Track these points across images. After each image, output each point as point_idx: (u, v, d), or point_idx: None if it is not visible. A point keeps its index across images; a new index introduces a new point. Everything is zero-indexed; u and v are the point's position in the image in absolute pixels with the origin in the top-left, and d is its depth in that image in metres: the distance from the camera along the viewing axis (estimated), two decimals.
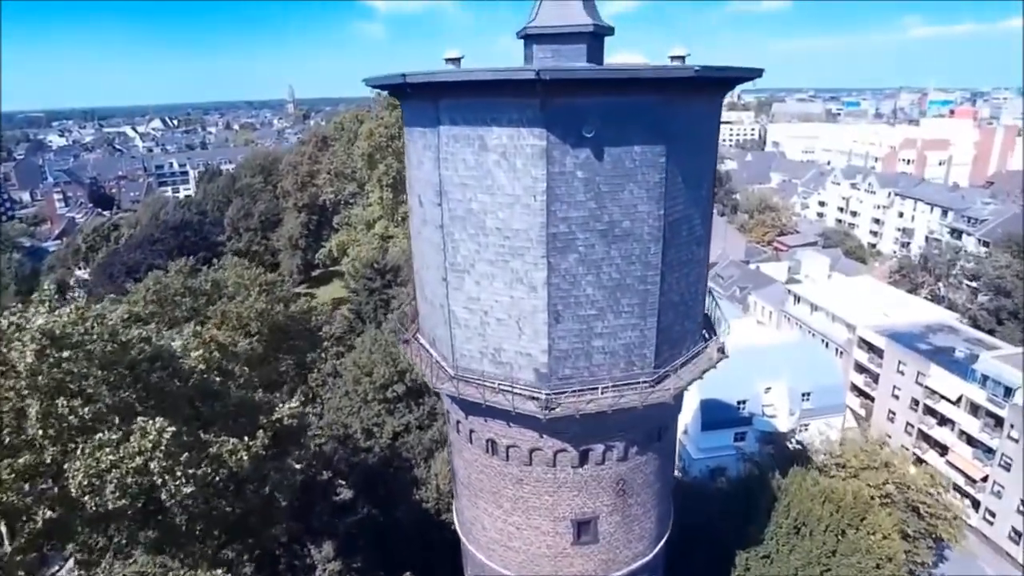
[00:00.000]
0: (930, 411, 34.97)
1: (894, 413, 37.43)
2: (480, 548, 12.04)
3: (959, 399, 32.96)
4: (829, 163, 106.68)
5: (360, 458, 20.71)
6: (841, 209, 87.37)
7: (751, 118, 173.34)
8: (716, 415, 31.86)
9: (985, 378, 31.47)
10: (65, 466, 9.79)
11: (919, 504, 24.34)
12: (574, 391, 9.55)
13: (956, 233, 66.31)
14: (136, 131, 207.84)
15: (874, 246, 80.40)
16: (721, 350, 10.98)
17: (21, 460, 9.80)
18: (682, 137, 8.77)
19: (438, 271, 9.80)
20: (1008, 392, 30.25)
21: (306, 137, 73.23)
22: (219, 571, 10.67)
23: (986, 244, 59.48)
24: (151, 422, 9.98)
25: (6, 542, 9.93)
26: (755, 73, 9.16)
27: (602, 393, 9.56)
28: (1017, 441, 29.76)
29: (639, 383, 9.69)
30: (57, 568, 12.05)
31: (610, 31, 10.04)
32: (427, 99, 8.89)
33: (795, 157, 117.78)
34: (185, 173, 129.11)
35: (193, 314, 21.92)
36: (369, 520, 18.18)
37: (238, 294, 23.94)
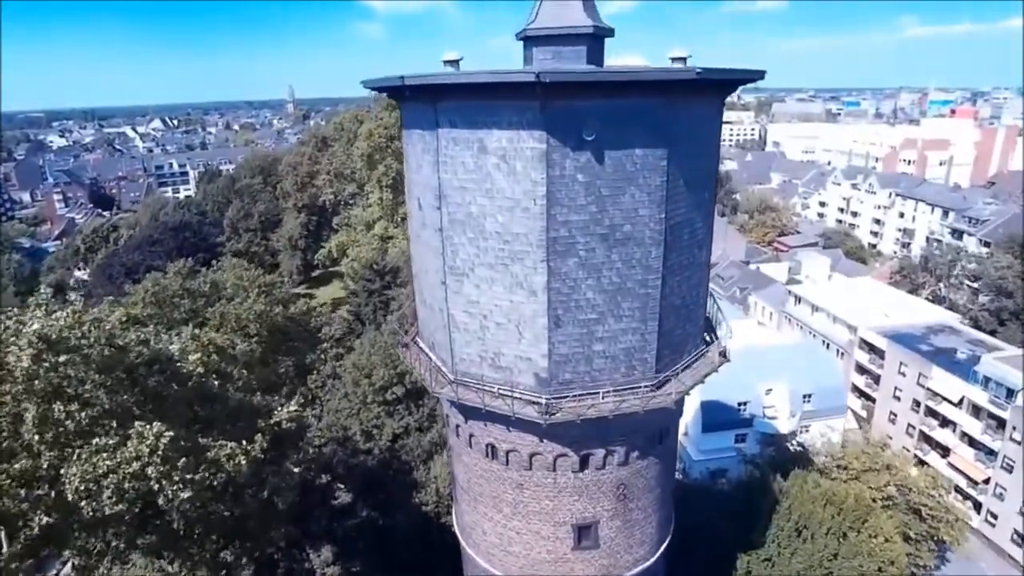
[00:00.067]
0: (932, 413, 34.86)
1: (895, 414, 37.33)
2: (480, 553, 11.96)
3: (961, 401, 32.86)
4: (829, 163, 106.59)
5: (359, 460, 20.64)
6: (842, 210, 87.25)
7: (751, 118, 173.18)
8: (717, 417, 31.77)
9: (987, 380, 31.36)
10: (62, 471, 9.72)
11: (921, 506, 24.26)
12: (574, 396, 9.47)
13: (957, 234, 66.20)
14: (136, 131, 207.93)
15: (875, 247, 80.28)
16: (723, 354, 10.90)
17: (17, 465, 9.74)
18: (683, 140, 8.69)
19: (437, 275, 9.72)
20: (1010, 394, 30.14)
21: (306, 138, 73.17)
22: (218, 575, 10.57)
23: (987, 245, 59.38)
24: (148, 427, 9.91)
25: (4, 547, 9.86)
26: (757, 75, 9.08)
27: (603, 398, 9.48)
28: (1019, 443, 29.65)
29: (640, 388, 9.61)
30: (55, 572, 11.98)
31: (610, 32, 9.95)
32: (426, 101, 8.81)
33: (795, 157, 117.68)
34: (185, 173, 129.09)
35: (192, 316, 21.80)
36: (368, 523, 18.10)
37: (237, 295, 23.81)
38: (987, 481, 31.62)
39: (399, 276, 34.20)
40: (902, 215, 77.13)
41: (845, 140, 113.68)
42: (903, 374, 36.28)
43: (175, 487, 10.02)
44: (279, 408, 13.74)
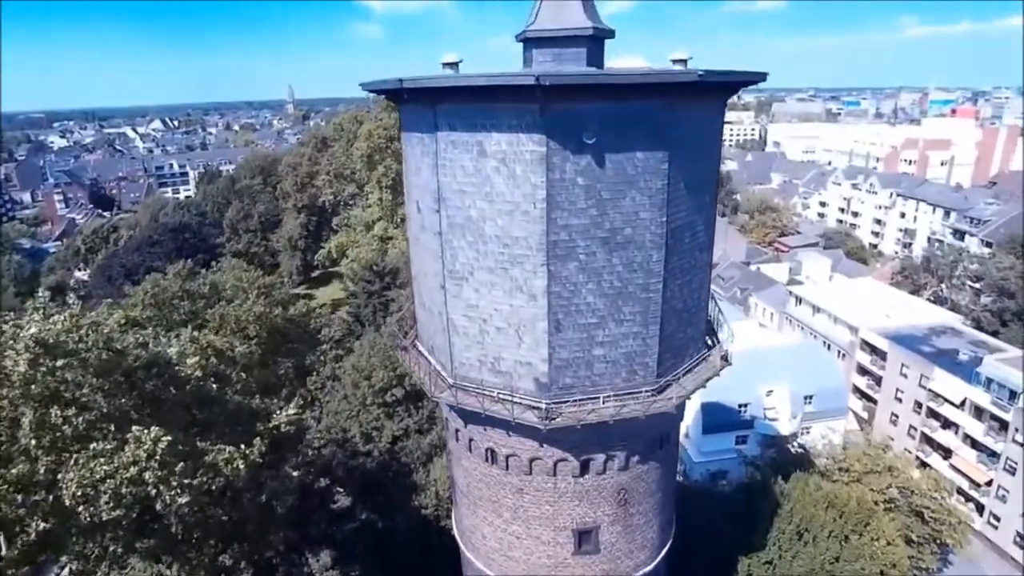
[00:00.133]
0: (933, 414, 34.76)
1: (897, 416, 37.22)
2: (480, 557, 11.89)
3: (963, 402, 32.74)
4: (830, 163, 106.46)
5: (359, 462, 20.57)
6: (842, 210, 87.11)
7: (751, 118, 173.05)
8: (717, 418, 31.69)
9: (989, 381, 31.25)
10: (59, 476, 9.66)
11: (923, 509, 24.17)
12: (575, 401, 9.39)
13: (959, 234, 66.04)
14: (136, 132, 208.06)
15: (876, 247, 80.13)
16: (724, 357, 10.82)
17: (14, 470, 9.67)
18: (685, 142, 8.61)
19: (436, 278, 9.65)
20: (1013, 396, 30.04)
21: (305, 138, 73.16)
22: None
23: (989, 245, 59.22)
24: (146, 431, 9.84)
25: (1, 552, 9.80)
26: (759, 77, 9.00)
27: (603, 403, 9.40)
28: (1022, 445, 29.53)
29: (641, 392, 9.54)
30: None
31: (611, 34, 9.88)
32: (425, 104, 8.74)
33: (796, 157, 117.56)
34: (185, 174, 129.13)
35: (191, 317, 21.73)
36: (367, 527, 18.04)
37: (236, 297, 23.75)
38: (989, 483, 31.51)
39: (399, 277, 34.14)
40: (903, 215, 76.98)
41: (846, 140, 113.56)
42: (905, 375, 36.17)
43: (173, 492, 9.95)
44: (278, 411, 13.66)
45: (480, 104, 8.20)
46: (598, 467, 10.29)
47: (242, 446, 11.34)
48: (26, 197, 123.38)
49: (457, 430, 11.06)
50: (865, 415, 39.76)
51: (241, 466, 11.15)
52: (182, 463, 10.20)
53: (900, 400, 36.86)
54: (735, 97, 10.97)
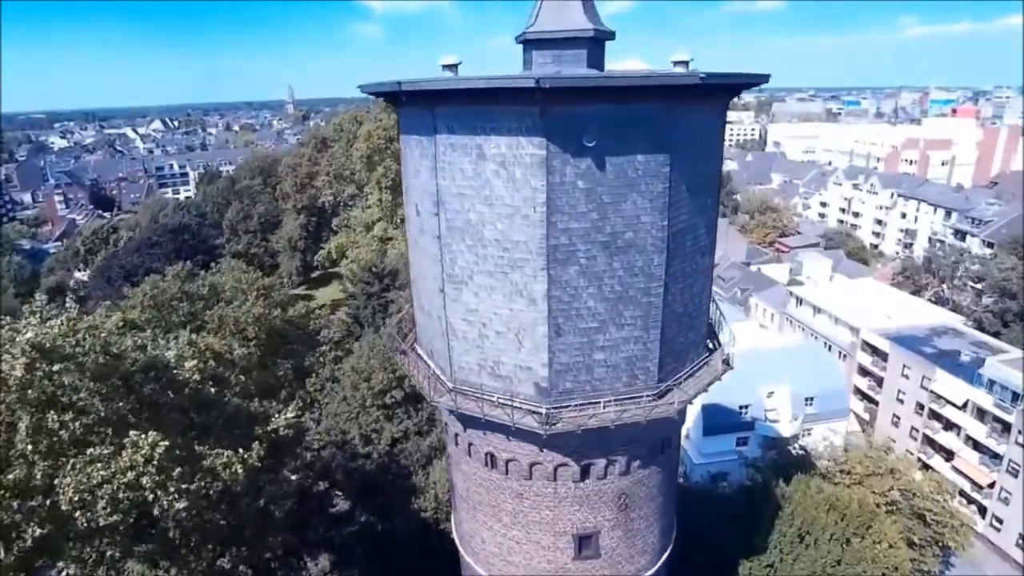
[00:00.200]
0: (935, 416, 34.64)
1: (898, 417, 37.11)
2: (479, 562, 11.81)
3: (965, 404, 32.62)
4: (830, 163, 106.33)
5: (358, 465, 20.51)
6: (843, 210, 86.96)
7: (751, 118, 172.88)
8: (718, 420, 31.61)
9: (992, 383, 31.13)
10: (56, 481, 9.59)
11: (925, 511, 24.06)
12: (575, 405, 9.32)
13: (960, 234, 65.89)
14: (137, 132, 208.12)
15: (876, 247, 79.99)
16: (726, 361, 10.74)
17: (11, 475, 9.60)
18: (686, 145, 8.53)
19: (435, 282, 9.57)
20: (1015, 397, 29.92)
21: (305, 139, 73.11)
22: None
23: (990, 245, 59.07)
24: (143, 436, 9.78)
25: None
26: (761, 78, 8.92)
27: (604, 407, 9.32)
28: None
29: (642, 397, 9.46)
30: None
31: (611, 35, 9.80)
32: (423, 107, 8.66)
33: (796, 157, 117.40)
34: (185, 174, 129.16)
35: (190, 319, 21.70)
36: (366, 530, 17.96)
37: (235, 298, 23.70)
38: (992, 485, 31.39)
39: (398, 278, 34.08)
40: (904, 216, 76.84)
41: (846, 140, 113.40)
42: (906, 377, 36.05)
43: (170, 497, 9.88)
44: (277, 415, 13.59)
45: (479, 107, 8.12)
46: (599, 472, 10.21)
47: (240, 450, 11.28)
48: (26, 198, 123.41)
49: (456, 434, 10.98)
50: (866, 416, 39.64)
51: (239, 470, 11.08)
52: (180, 468, 10.15)
53: (901, 401, 36.75)
54: (735, 97, 10.87)
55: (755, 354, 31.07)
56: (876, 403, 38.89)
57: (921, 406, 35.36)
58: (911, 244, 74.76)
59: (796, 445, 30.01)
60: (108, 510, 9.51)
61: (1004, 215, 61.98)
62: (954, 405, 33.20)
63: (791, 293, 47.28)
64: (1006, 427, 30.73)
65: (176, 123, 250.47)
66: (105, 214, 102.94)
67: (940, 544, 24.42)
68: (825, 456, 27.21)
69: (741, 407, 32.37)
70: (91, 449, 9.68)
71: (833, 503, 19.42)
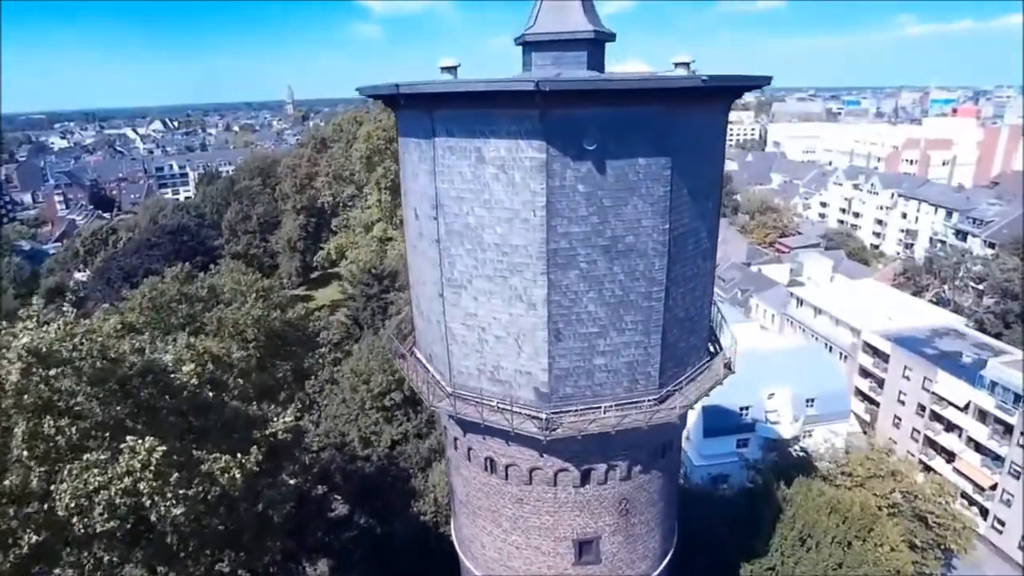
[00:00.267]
0: (937, 417, 34.53)
1: (900, 419, 37.01)
2: (479, 567, 11.73)
3: (967, 405, 32.51)
4: (831, 163, 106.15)
5: (357, 467, 20.43)
6: (843, 210, 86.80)
7: (751, 118, 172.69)
8: (718, 422, 31.50)
9: (994, 384, 31.02)
10: (52, 487, 9.50)
11: (927, 514, 23.94)
12: (576, 411, 9.24)
13: (961, 235, 65.75)
14: (137, 133, 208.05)
15: (877, 248, 79.84)
16: (728, 365, 10.65)
17: (7, 482, 9.52)
18: (687, 148, 8.46)
19: (434, 286, 9.50)
20: (1017, 399, 29.81)
21: (305, 139, 73.09)
22: None
23: (992, 246, 58.92)
24: (140, 442, 9.70)
25: None
26: (763, 80, 8.85)
27: (605, 413, 9.25)
28: None
29: (643, 402, 9.38)
30: None
31: (611, 37, 9.72)
32: (421, 110, 8.59)
33: (796, 157, 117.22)
34: (185, 175, 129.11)
35: (189, 321, 21.62)
36: (365, 533, 17.88)
37: (234, 300, 23.63)
38: (994, 487, 31.28)
39: (397, 280, 34.01)
40: (904, 216, 76.69)
41: (846, 140, 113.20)
42: (907, 378, 35.94)
43: (167, 503, 9.80)
44: (275, 418, 13.50)
45: (478, 110, 8.05)
46: (599, 477, 10.13)
47: (238, 455, 11.20)
48: (27, 198, 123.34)
49: (456, 438, 10.91)
50: (867, 418, 39.53)
51: (237, 475, 11.00)
52: (177, 473, 10.06)
53: (903, 403, 36.63)
54: (737, 99, 10.77)
55: (756, 355, 30.92)
56: (877, 404, 38.77)
57: (922, 407, 35.25)
58: (912, 244, 74.62)
59: (797, 447, 29.89)
60: (105, 516, 9.43)
61: (1005, 215, 61.82)
62: (956, 407, 33.09)
63: (791, 294, 47.16)
64: (1008, 429, 30.61)
65: (176, 123, 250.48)
66: (105, 215, 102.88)
67: (942, 547, 24.31)
68: (826, 458, 27.09)
69: (742, 409, 32.26)
70: (88, 455, 9.60)
71: (834, 506, 19.31)
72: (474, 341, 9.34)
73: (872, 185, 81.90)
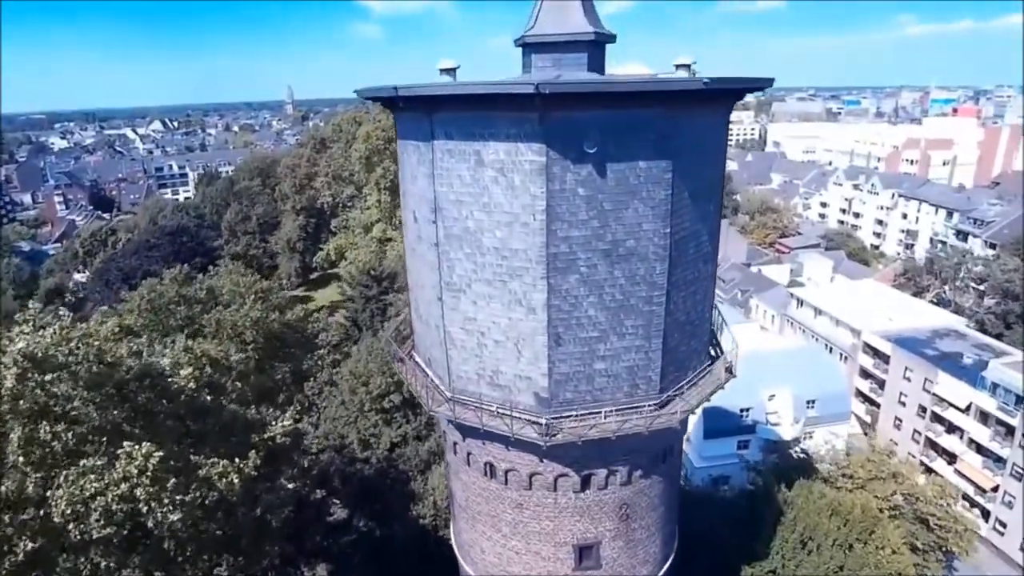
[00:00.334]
0: (938, 418, 34.45)
1: (901, 420, 36.93)
2: (478, 572, 11.65)
3: (968, 407, 32.43)
4: (831, 163, 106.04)
5: (356, 469, 20.36)
6: (843, 210, 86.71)
7: (751, 117, 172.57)
8: (719, 423, 31.43)
9: (995, 386, 30.93)
10: (48, 493, 9.43)
11: (928, 516, 23.85)
12: (576, 416, 9.16)
13: (962, 235, 65.64)
14: (136, 133, 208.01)
15: (877, 248, 79.75)
16: (729, 369, 10.57)
17: (2, 488, 9.44)
18: (689, 151, 8.37)
19: (433, 290, 9.42)
20: (1019, 400, 29.72)
21: (304, 139, 73.00)
22: None
23: (992, 246, 58.82)
24: (137, 447, 9.62)
25: None
26: (766, 82, 8.76)
27: (605, 418, 9.17)
28: None
29: (644, 407, 9.30)
30: None
31: (612, 38, 9.64)
32: (420, 112, 8.50)
33: (796, 157, 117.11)
34: (185, 175, 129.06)
35: (188, 323, 21.56)
36: (364, 537, 17.80)
37: (233, 302, 23.55)
38: (995, 489, 31.20)
39: (396, 281, 33.93)
40: (905, 216, 76.59)
41: (846, 140, 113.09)
42: (908, 379, 35.86)
43: (165, 509, 9.72)
44: (274, 422, 13.42)
45: (477, 112, 7.96)
46: (600, 482, 10.05)
47: (236, 459, 11.12)
48: (26, 198, 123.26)
49: (455, 443, 10.83)
50: (868, 419, 39.45)
51: (235, 480, 10.93)
52: (174, 479, 9.98)
53: (904, 404, 36.54)
54: (739, 101, 10.69)
55: (756, 356, 30.81)
56: (878, 405, 38.69)
57: (923, 409, 35.17)
58: (912, 245, 74.53)
59: (797, 448, 29.80)
60: (102, 522, 9.36)
61: (1006, 215, 61.72)
62: (957, 408, 33.01)
63: (792, 295, 47.08)
64: (1009, 430, 30.54)
65: (176, 123, 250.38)
66: (105, 215, 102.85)
67: (943, 549, 24.23)
68: (827, 460, 27.01)
69: (742, 410, 32.18)
70: (84, 460, 9.53)
71: (836, 508, 19.23)
72: (473, 345, 9.25)
73: (872, 185, 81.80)
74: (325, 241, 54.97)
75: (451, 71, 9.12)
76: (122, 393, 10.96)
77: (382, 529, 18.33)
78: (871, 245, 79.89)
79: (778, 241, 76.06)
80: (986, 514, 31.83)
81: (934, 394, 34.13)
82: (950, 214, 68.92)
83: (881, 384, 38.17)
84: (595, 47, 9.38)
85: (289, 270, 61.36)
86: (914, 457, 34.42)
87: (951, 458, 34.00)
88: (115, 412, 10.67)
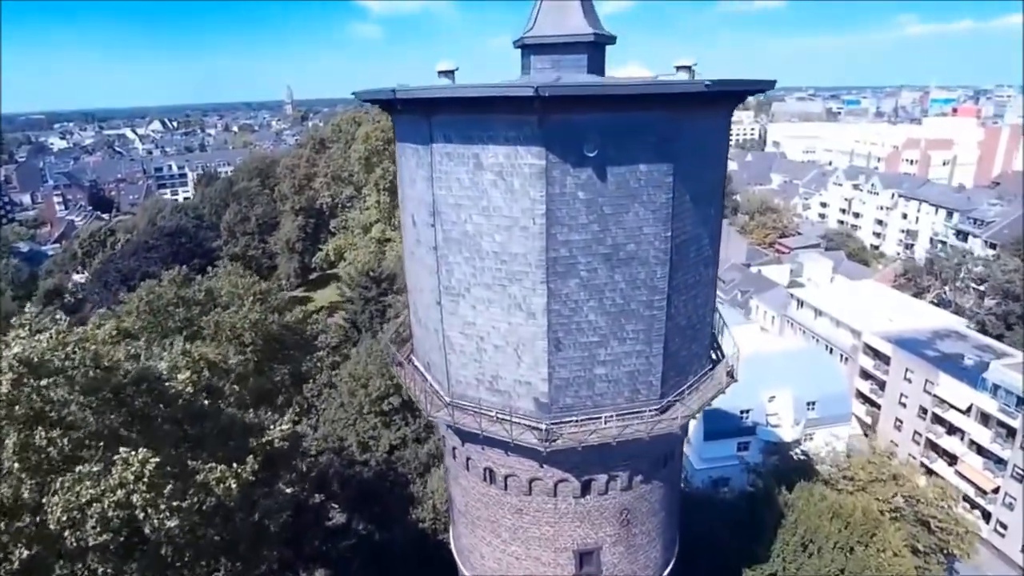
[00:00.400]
0: (938, 420, 34.39)
1: (901, 421, 36.86)
2: None
3: (969, 408, 32.36)
4: (831, 163, 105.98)
5: (355, 472, 20.27)
6: (843, 210, 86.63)
7: (751, 117, 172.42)
8: (719, 424, 31.34)
9: (996, 387, 30.87)
10: (44, 500, 9.34)
11: (930, 518, 23.78)
12: (576, 421, 9.08)
13: (962, 235, 65.58)
14: (136, 133, 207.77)
15: (877, 248, 79.69)
16: (730, 374, 10.49)
17: None
18: (690, 153, 8.29)
19: (432, 294, 9.33)
20: (1020, 402, 29.65)
21: (303, 139, 72.91)
22: None
23: (993, 247, 58.75)
24: (133, 453, 9.53)
25: None
26: (767, 84, 8.69)
27: (606, 423, 9.09)
28: None
29: (645, 412, 9.21)
30: None
31: (612, 40, 9.56)
32: (419, 115, 8.42)
33: (796, 157, 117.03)
34: (184, 175, 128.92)
35: (186, 325, 21.50)
36: (363, 541, 17.71)
37: (232, 303, 23.49)
38: (996, 490, 31.13)
39: (396, 283, 33.84)
40: (905, 216, 76.53)
41: (846, 140, 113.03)
42: (909, 380, 35.79)
43: (161, 515, 9.63)
44: (272, 426, 13.34)
45: (476, 115, 7.88)
46: (600, 487, 9.97)
47: (234, 464, 11.04)
48: (26, 199, 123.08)
49: (454, 448, 10.75)
50: (868, 420, 39.38)
51: (233, 485, 10.84)
52: (171, 484, 9.89)
53: (904, 405, 36.47)
54: (740, 103, 10.62)
55: (756, 358, 30.70)
56: (878, 407, 38.62)
57: (924, 410, 35.10)
58: (912, 245, 74.47)
59: (798, 450, 29.72)
60: (98, 529, 9.27)
61: (1006, 216, 61.65)
62: (957, 409, 32.95)
63: (792, 295, 47.01)
64: (1010, 432, 30.47)
65: (175, 124, 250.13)
66: (104, 215, 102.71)
67: (944, 551, 24.16)
68: (827, 461, 26.93)
69: (742, 411, 32.09)
70: (80, 467, 9.44)
71: (836, 511, 19.15)
72: (472, 350, 9.17)
73: (872, 185, 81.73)
74: (324, 242, 54.88)
75: (449, 73, 9.03)
76: (119, 398, 10.89)
77: (381, 533, 18.24)
78: (871, 245, 79.82)
79: (778, 241, 76.00)
80: (987, 516, 31.76)
81: (935, 395, 34.07)
82: (950, 214, 68.86)
83: (882, 385, 38.10)
84: (595, 48, 9.30)
85: (288, 271, 61.27)
86: (915, 458, 34.36)
87: (952, 459, 33.93)
88: (112, 417, 10.60)
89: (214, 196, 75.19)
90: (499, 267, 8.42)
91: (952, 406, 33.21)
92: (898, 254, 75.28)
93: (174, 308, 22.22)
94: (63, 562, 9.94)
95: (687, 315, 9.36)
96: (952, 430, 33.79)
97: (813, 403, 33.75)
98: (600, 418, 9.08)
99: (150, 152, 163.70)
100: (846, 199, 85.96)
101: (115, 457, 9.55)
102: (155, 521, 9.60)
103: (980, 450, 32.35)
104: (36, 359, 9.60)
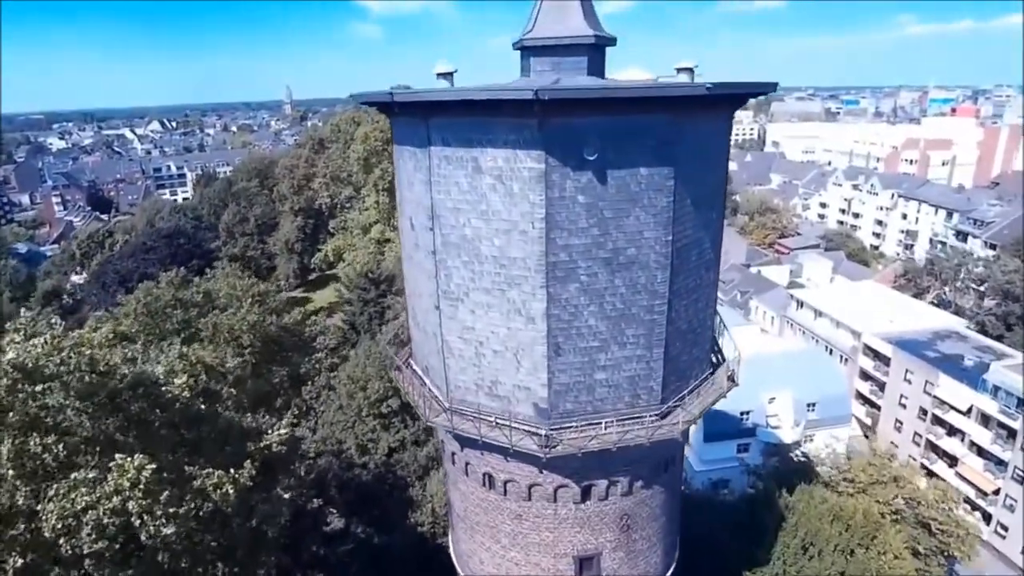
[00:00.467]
0: (939, 421, 34.33)
1: (901, 423, 36.80)
2: None
3: (969, 409, 32.31)
4: (830, 163, 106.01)
5: (354, 475, 20.17)
6: (843, 211, 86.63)
7: (750, 118, 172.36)
8: (719, 426, 31.25)
9: (996, 388, 30.82)
10: (39, 507, 9.23)
11: (930, 520, 23.72)
12: (576, 426, 9.00)
13: (962, 236, 65.56)
14: (135, 133, 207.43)
15: (877, 248, 79.69)
16: (731, 377, 10.41)
17: None
18: (691, 157, 8.22)
19: (431, 299, 9.25)
20: (1020, 403, 29.60)
21: (302, 139, 72.75)
22: None
23: (993, 247, 58.74)
24: (130, 459, 9.42)
25: None
26: (769, 87, 8.62)
27: (606, 428, 9.01)
28: None
29: (645, 417, 9.14)
30: None
31: (612, 41, 9.48)
32: (417, 118, 8.34)
33: (795, 157, 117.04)
34: (183, 176, 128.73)
35: (184, 327, 21.37)
36: (362, 545, 17.60)
37: (230, 305, 23.37)
38: (997, 492, 31.08)
39: (395, 284, 33.72)
40: (905, 216, 76.53)
41: (846, 140, 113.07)
42: (909, 381, 35.73)
43: (158, 522, 9.53)
44: (270, 430, 13.23)
45: (475, 118, 7.80)
46: (600, 493, 9.90)
47: (232, 469, 10.93)
48: (24, 199, 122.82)
49: (453, 453, 10.66)
50: (868, 421, 39.32)
51: (230, 491, 10.73)
52: (168, 490, 9.79)
53: (904, 406, 36.42)
54: (742, 106, 10.55)
55: (756, 359, 30.59)
56: (878, 408, 38.56)
57: (924, 411, 35.04)
58: (912, 245, 74.46)
59: (798, 452, 29.64)
60: (93, 536, 9.16)
61: (1006, 216, 61.63)
62: (958, 410, 32.89)
63: (791, 296, 46.95)
64: (1011, 433, 30.42)
65: (174, 124, 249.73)
66: (103, 216, 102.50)
67: (945, 553, 24.10)
68: (827, 463, 26.85)
69: (742, 413, 32.01)
70: (75, 473, 9.33)
71: (837, 513, 19.09)
72: (471, 355, 9.09)
73: (872, 185, 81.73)
74: (323, 242, 54.76)
75: (448, 75, 8.95)
76: (115, 402, 10.77)
77: (380, 537, 18.14)
78: (871, 246, 79.81)
79: (777, 242, 75.97)
80: (988, 517, 31.70)
81: (935, 396, 34.00)
82: (950, 214, 68.84)
83: (882, 386, 38.04)
84: (595, 50, 9.22)
85: (287, 271, 61.13)
86: (915, 460, 34.31)
87: (952, 461, 33.87)
88: (108, 422, 10.49)
89: (213, 196, 75.01)
90: (498, 271, 8.34)
91: (952, 407, 33.15)
92: (898, 254, 75.28)
93: (172, 310, 22.09)
94: (58, 570, 9.83)
95: (688, 319, 9.28)
96: (952, 431, 33.73)
97: (813, 404, 33.68)
98: (600, 424, 9.00)
99: (149, 152, 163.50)
100: (845, 199, 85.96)
101: (111, 463, 9.44)
102: (151, 528, 9.49)
103: (980, 451, 32.30)
104: (31, 364, 9.49)
